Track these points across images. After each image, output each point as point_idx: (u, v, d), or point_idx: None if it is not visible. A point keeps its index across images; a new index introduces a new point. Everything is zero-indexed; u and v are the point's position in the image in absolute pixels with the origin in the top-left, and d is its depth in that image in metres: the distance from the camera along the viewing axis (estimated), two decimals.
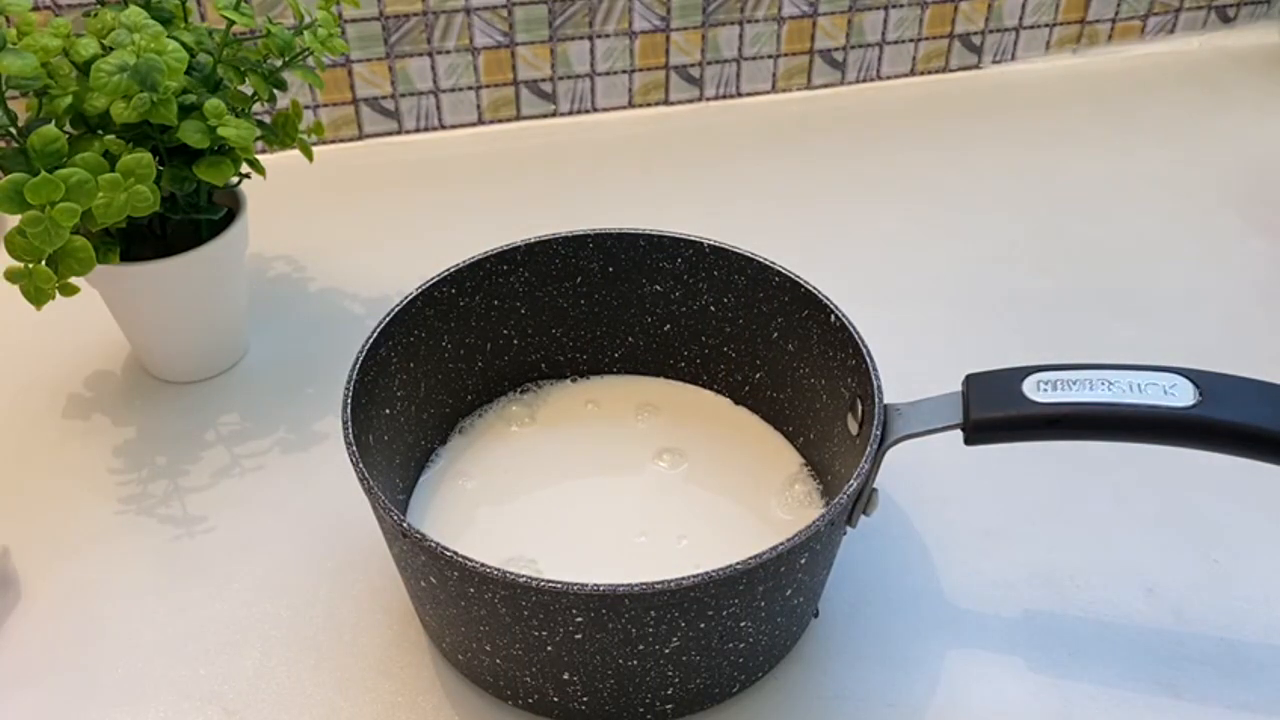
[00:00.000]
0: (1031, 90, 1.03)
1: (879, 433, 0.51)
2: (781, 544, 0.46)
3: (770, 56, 1.00)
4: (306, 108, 0.92)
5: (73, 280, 0.58)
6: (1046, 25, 1.05)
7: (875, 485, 0.52)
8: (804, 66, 1.01)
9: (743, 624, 0.49)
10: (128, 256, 0.65)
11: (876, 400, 0.52)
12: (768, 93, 1.02)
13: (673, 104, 1.00)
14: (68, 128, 0.62)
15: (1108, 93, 1.03)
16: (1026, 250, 0.84)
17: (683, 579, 0.45)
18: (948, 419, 0.51)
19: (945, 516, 0.63)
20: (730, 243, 0.62)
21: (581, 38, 0.94)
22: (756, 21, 0.97)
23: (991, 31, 1.04)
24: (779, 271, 0.60)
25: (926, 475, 0.64)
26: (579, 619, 0.46)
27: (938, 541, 0.61)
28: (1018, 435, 0.50)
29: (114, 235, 0.64)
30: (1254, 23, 1.10)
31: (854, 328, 0.56)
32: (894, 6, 1.00)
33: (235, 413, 0.70)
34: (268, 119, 0.70)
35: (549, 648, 0.48)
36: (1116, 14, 1.06)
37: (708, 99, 1.01)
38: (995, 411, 0.50)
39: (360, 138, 0.95)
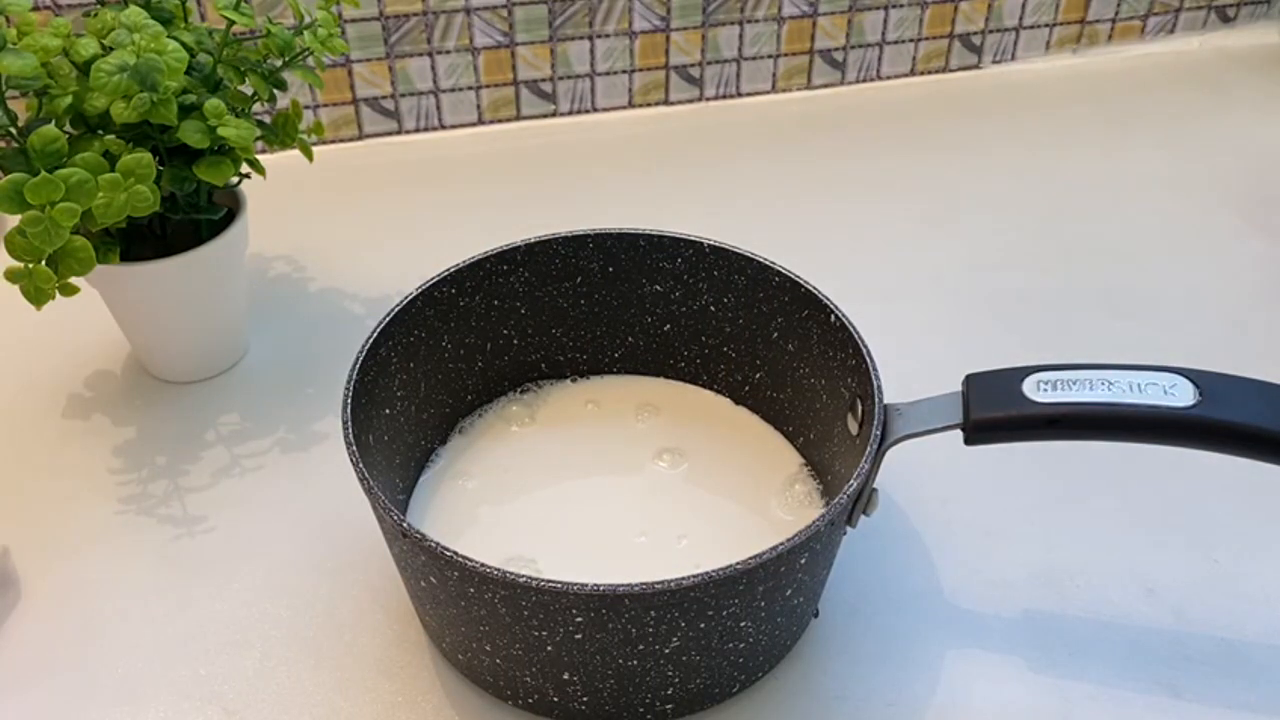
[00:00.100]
0: (1031, 90, 1.03)
1: (879, 433, 0.51)
2: (781, 544, 0.46)
3: (770, 56, 1.00)
4: (306, 108, 0.92)
5: (73, 280, 0.58)
6: (1046, 25, 1.05)
7: (875, 485, 0.52)
8: (804, 66, 1.01)
9: (743, 624, 0.49)
10: (128, 256, 0.65)
11: (876, 400, 0.52)
12: (768, 93, 1.02)
13: (673, 104, 1.00)
14: (68, 128, 0.62)
15: (1108, 93, 1.03)
16: (1026, 250, 0.84)
17: (683, 579, 0.45)
18: (948, 419, 0.51)
19: (945, 516, 0.63)
20: (730, 243, 0.62)
21: (581, 38, 0.94)
22: (756, 21, 0.97)
23: (991, 31, 1.04)
24: (779, 271, 0.60)
25: (926, 475, 0.64)
26: (579, 619, 0.46)
27: (938, 541, 0.61)
28: (1018, 435, 0.50)
29: (114, 235, 0.64)
30: (1254, 23, 1.10)
31: (854, 328, 0.56)
32: (894, 6, 1.00)
33: (235, 413, 0.70)
34: (268, 119, 0.70)
35: (549, 648, 0.48)
36: (1116, 14, 1.06)
37: (708, 99, 1.01)
38: (995, 411, 0.50)
39: (360, 138, 0.95)
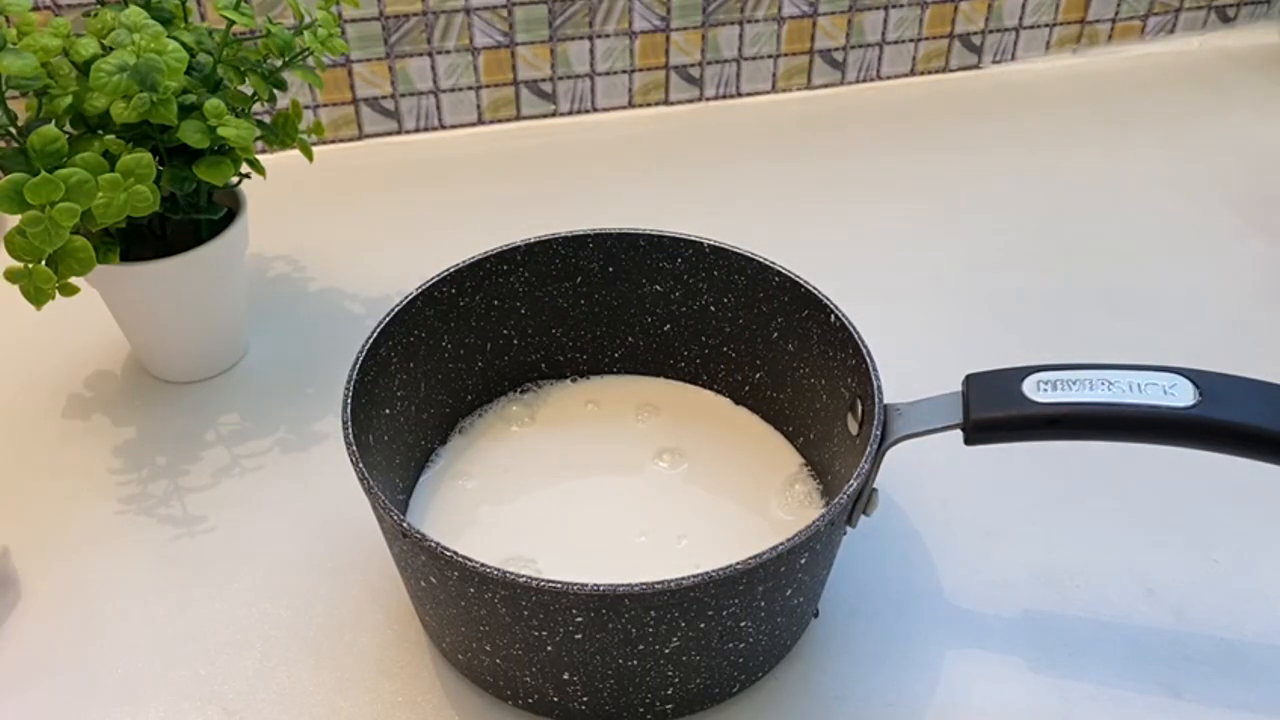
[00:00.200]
0: (1031, 90, 1.03)
1: (879, 433, 0.51)
2: (781, 544, 0.46)
3: (770, 56, 1.00)
4: (306, 108, 0.92)
5: (73, 280, 0.58)
6: (1046, 25, 1.05)
7: (875, 485, 0.52)
8: (804, 66, 1.01)
9: (743, 624, 0.49)
10: (128, 256, 0.65)
11: (876, 400, 0.52)
12: (768, 93, 1.02)
13: (673, 104, 1.00)
14: (68, 128, 0.62)
15: (1108, 93, 1.03)
16: (1026, 250, 0.83)
17: (683, 579, 0.45)
18: (948, 419, 0.51)
19: (945, 516, 0.63)
20: (730, 243, 0.62)
21: (581, 38, 0.94)
22: (756, 21, 0.97)
23: (991, 31, 1.04)
24: (779, 271, 0.60)
25: (926, 475, 0.64)
26: (579, 619, 0.46)
27: (938, 541, 0.61)
28: (1018, 435, 0.50)
29: (114, 235, 0.64)
30: (1254, 23, 1.10)
31: (854, 328, 0.56)
32: (894, 6, 1.00)
33: (235, 413, 0.70)
34: (268, 119, 0.70)
35: (549, 648, 0.48)
36: (1116, 14, 1.06)
37: (708, 99, 1.01)
38: (995, 411, 0.50)
39: (360, 138, 0.95)
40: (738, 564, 0.45)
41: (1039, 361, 0.51)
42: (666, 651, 0.48)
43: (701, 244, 0.62)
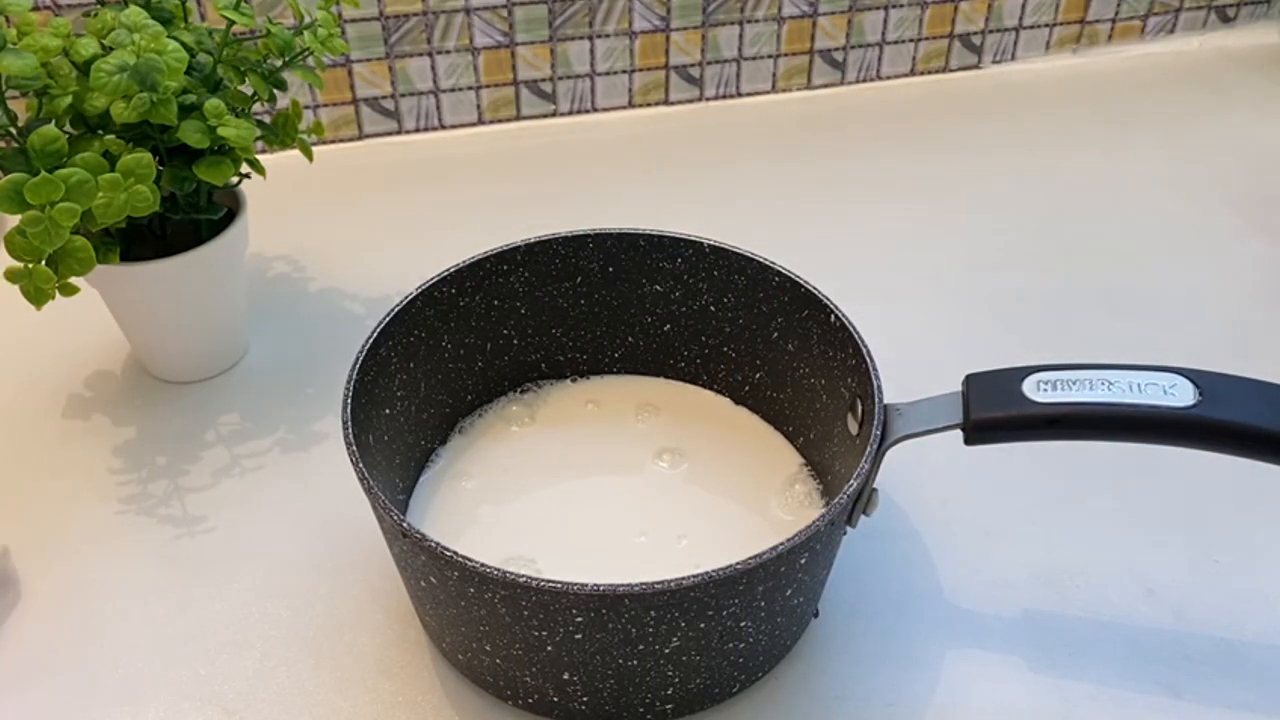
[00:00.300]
0: (1031, 90, 1.03)
1: (879, 433, 0.51)
2: (781, 544, 0.46)
3: (770, 56, 1.00)
4: (306, 108, 0.92)
5: (73, 280, 0.58)
6: (1046, 25, 1.05)
7: (875, 485, 0.52)
8: (804, 66, 1.01)
9: (743, 624, 0.49)
10: (128, 256, 0.65)
11: (876, 400, 0.52)
12: (768, 93, 1.02)
13: (673, 104, 1.00)
14: (68, 128, 0.62)
15: (1108, 93, 1.03)
16: (1026, 250, 0.84)
17: (683, 579, 0.45)
18: (948, 419, 0.51)
19: (945, 516, 0.63)
20: (730, 243, 0.62)
21: (581, 38, 0.94)
22: (756, 21, 0.97)
23: (991, 31, 1.04)
24: (779, 271, 0.60)
25: (926, 475, 0.64)
26: (579, 619, 0.46)
27: (938, 541, 0.61)
28: (1018, 435, 0.50)
29: (114, 235, 0.64)
30: (1254, 23, 1.10)
31: (854, 328, 0.56)
32: (894, 6, 1.00)
33: (235, 413, 0.70)
34: (268, 119, 0.70)
35: (549, 648, 0.48)
36: (1116, 14, 1.06)
37: (708, 99, 1.01)
38: (995, 411, 0.50)
39: (360, 138, 0.95)
40: (738, 564, 0.45)
41: (1039, 361, 0.51)
42: (666, 651, 0.48)
43: (701, 244, 0.62)
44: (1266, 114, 1.00)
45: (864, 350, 0.55)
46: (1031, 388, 0.50)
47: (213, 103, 0.61)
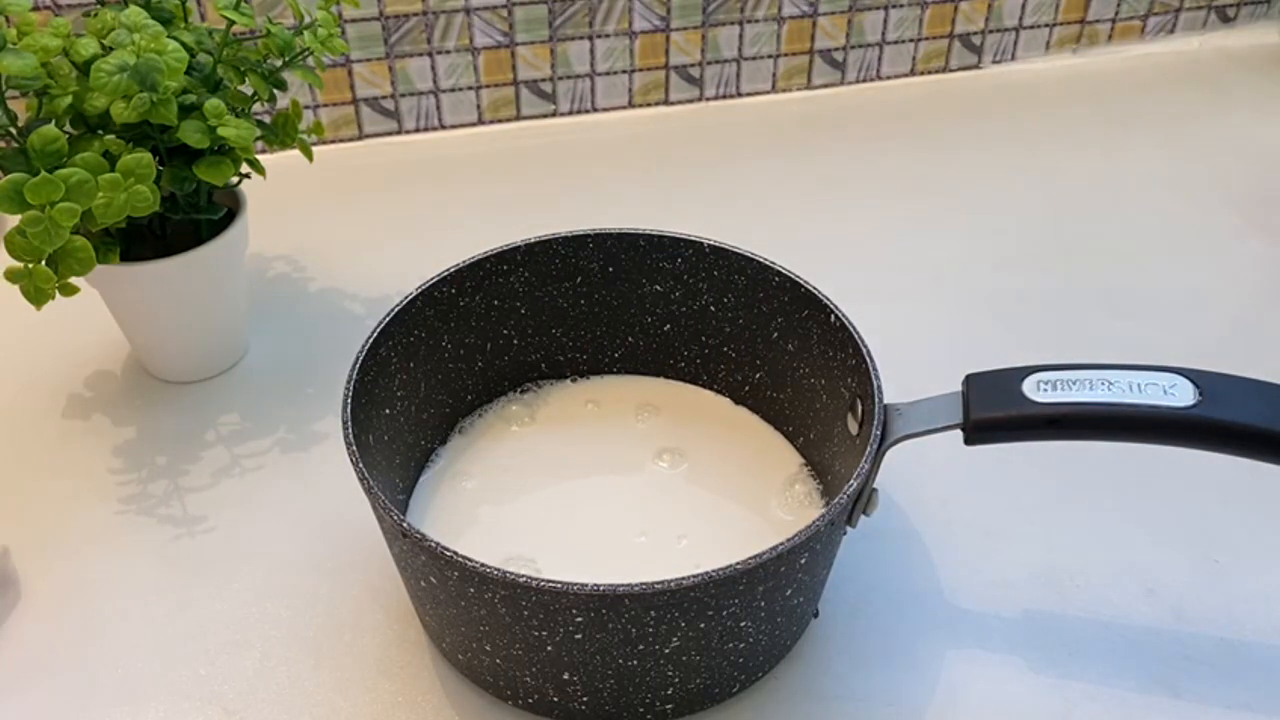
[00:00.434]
0: (1031, 90, 1.03)
1: (879, 433, 0.51)
2: (781, 544, 0.46)
3: (770, 56, 1.00)
4: (306, 108, 0.92)
5: (73, 280, 0.58)
6: (1046, 25, 1.05)
7: (875, 485, 0.52)
8: (804, 66, 1.01)
9: (743, 624, 0.49)
10: (128, 256, 0.65)
11: (876, 400, 0.52)
12: (768, 93, 1.02)
13: (673, 104, 1.00)
14: (68, 128, 0.62)
15: (1108, 93, 1.03)
16: (1026, 250, 0.84)
17: (683, 579, 0.45)
18: (948, 419, 0.51)
19: (945, 516, 0.63)
20: (730, 243, 0.62)
21: (581, 38, 0.94)
22: (756, 21, 0.97)
23: (991, 31, 1.04)
24: (779, 271, 0.60)
25: (926, 475, 0.64)
26: (579, 619, 0.46)
27: (938, 541, 0.61)
28: (1018, 435, 0.50)
29: (114, 235, 0.64)
30: (1254, 23, 1.10)
31: (854, 328, 0.56)
32: (894, 6, 1.00)
33: (235, 413, 0.70)
34: (268, 119, 0.70)
35: (549, 648, 0.48)
36: (1116, 14, 1.06)
37: (708, 99, 1.01)
38: (995, 411, 0.50)
39: (360, 138, 0.95)
40: (738, 564, 0.45)
41: (1039, 361, 0.51)
42: (666, 651, 0.48)
43: (701, 244, 0.62)
44: (1266, 114, 1.00)
45: (864, 350, 0.55)
46: (1031, 388, 0.50)
47: (213, 103, 0.61)
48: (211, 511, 0.63)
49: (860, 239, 0.85)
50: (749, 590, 0.47)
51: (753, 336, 0.63)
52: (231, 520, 0.63)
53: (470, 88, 0.95)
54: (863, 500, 0.52)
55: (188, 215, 0.66)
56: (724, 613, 0.47)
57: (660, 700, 0.51)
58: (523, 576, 0.45)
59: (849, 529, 0.53)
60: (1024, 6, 1.03)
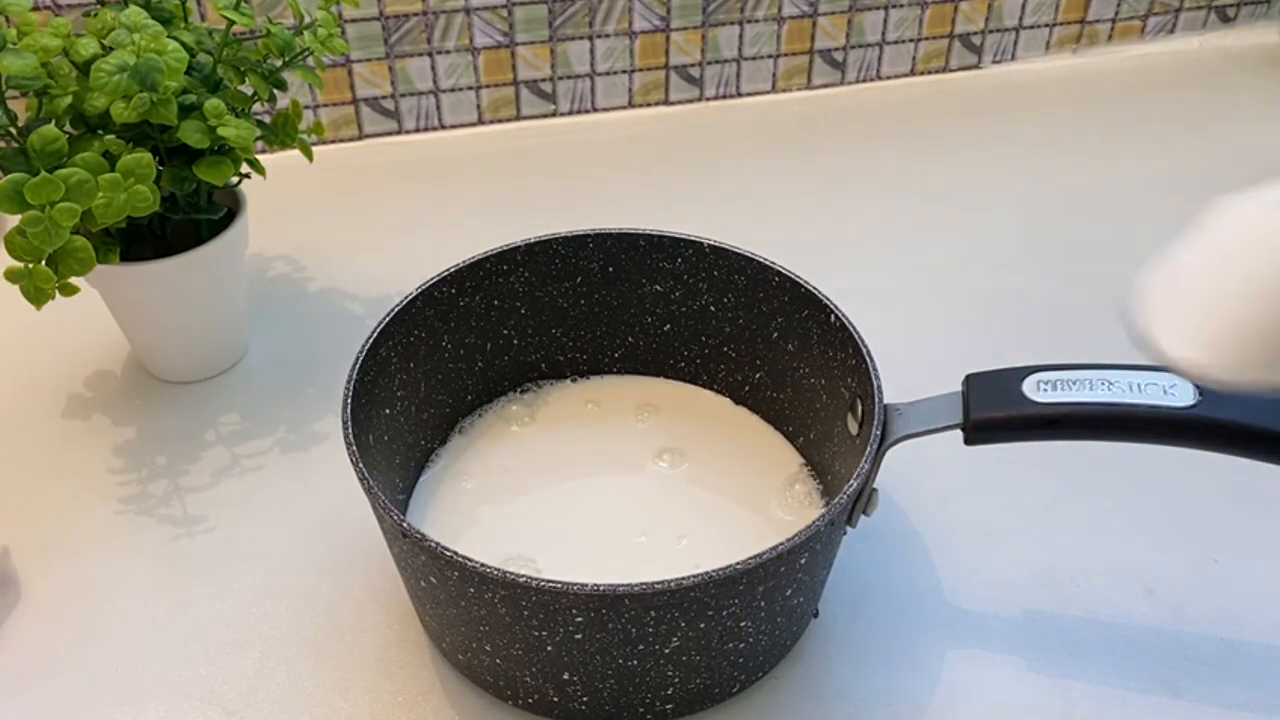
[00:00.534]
0: (1031, 90, 1.03)
1: (879, 433, 0.51)
2: (781, 544, 0.46)
3: (770, 56, 1.00)
4: (306, 108, 0.92)
5: (73, 280, 0.58)
6: (1046, 25, 1.05)
7: (875, 485, 0.52)
8: (804, 66, 1.01)
9: (743, 624, 0.49)
10: (128, 256, 0.65)
11: (876, 400, 0.52)
12: (768, 93, 1.02)
13: (673, 104, 1.00)
14: (68, 128, 0.62)
15: (1108, 93, 1.03)
16: (1026, 250, 0.83)
17: (683, 579, 0.45)
18: (948, 419, 0.51)
19: (945, 516, 0.63)
20: (730, 243, 0.62)
21: (581, 38, 0.94)
22: (756, 21, 0.97)
23: (991, 31, 1.04)
24: (779, 271, 0.60)
25: (926, 475, 0.64)
26: (579, 619, 0.46)
27: (938, 541, 0.61)
28: (1018, 435, 0.50)
29: (114, 235, 0.64)
30: (1254, 23, 1.10)
31: (854, 328, 0.56)
32: (894, 6, 1.00)
33: (235, 413, 0.70)
34: (268, 119, 0.70)
35: (549, 648, 0.48)
36: (1116, 14, 1.06)
37: (708, 99, 1.01)
38: (995, 411, 0.50)
39: (360, 138, 0.95)
40: (738, 564, 0.45)
41: (1039, 361, 0.51)
42: (666, 651, 0.48)
43: (701, 244, 0.62)
44: (1266, 114, 1.00)
45: (864, 350, 0.55)
46: (1031, 388, 0.50)
47: (213, 103, 0.61)
48: (211, 511, 0.63)
49: (860, 239, 0.85)
50: (749, 590, 0.47)
51: (753, 336, 0.63)
52: (231, 520, 0.63)
53: (470, 88, 0.95)
54: (863, 500, 0.52)
55: (188, 215, 0.66)
56: (724, 613, 0.47)
57: (660, 700, 0.51)
58: (523, 576, 0.45)
59: (849, 529, 0.53)
60: (1024, 6, 1.03)
